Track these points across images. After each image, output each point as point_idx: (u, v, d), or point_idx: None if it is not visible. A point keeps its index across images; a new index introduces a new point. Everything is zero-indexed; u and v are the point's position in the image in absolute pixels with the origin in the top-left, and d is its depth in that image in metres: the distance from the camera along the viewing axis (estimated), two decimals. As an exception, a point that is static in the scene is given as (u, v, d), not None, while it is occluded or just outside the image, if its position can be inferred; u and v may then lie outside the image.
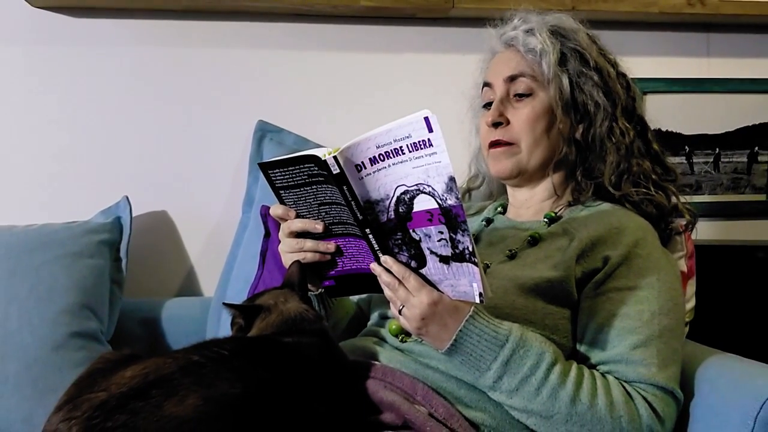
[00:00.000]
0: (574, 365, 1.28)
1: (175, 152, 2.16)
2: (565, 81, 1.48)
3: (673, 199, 1.53)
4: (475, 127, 1.61)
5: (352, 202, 1.20)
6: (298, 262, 1.34)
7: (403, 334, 1.38)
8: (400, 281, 1.21)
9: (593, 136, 1.49)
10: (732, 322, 1.90)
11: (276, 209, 1.35)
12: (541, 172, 1.53)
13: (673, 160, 1.58)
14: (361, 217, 1.21)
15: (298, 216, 1.33)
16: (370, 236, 1.22)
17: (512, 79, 1.50)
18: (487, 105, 1.54)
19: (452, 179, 1.11)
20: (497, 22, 1.59)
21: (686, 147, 2.39)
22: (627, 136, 1.49)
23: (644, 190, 1.49)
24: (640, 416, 1.24)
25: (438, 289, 1.21)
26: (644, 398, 1.26)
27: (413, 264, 1.22)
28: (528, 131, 1.48)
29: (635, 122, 1.54)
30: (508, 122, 1.50)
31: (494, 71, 1.54)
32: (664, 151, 1.57)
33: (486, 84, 1.55)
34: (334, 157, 1.16)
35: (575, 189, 1.54)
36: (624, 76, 1.56)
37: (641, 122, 1.56)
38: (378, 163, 1.15)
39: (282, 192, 1.32)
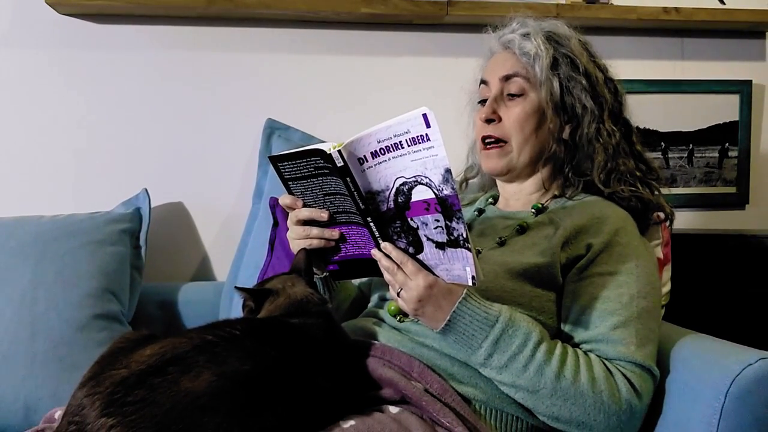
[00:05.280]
0: (559, 344, 1.28)
1: (190, 148, 2.16)
2: (556, 84, 1.47)
3: (656, 194, 1.53)
4: (473, 120, 1.60)
5: (355, 193, 1.20)
6: (304, 249, 1.34)
7: (400, 314, 1.38)
8: (398, 266, 1.22)
9: (581, 137, 1.48)
10: (705, 305, 1.90)
11: (284, 199, 1.35)
12: (531, 168, 1.52)
13: (650, 155, 1.58)
14: (363, 207, 1.21)
15: (304, 205, 1.33)
16: (371, 224, 1.22)
17: (507, 78, 1.49)
18: (483, 101, 1.53)
19: (448, 171, 1.10)
20: (497, 25, 1.58)
21: (662, 143, 2.39)
22: (613, 137, 1.48)
23: (632, 188, 1.48)
24: (619, 391, 1.24)
25: (434, 273, 1.21)
26: (623, 375, 1.26)
27: (411, 250, 1.21)
28: (518, 129, 1.47)
29: (621, 124, 1.52)
30: (500, 119, 1.49)
31: (491, 70, 1.53)
32: (645, 150, 1.56)
33: (483, 81, 1.55)
34: (339, 151, 1.16)
35: (563, 184, 1.53)
36: (612, 81, 1.54)
37: (626, 124, 1.54)
38: (379, 156, 1.15)
39: (290, 183, 1.31)
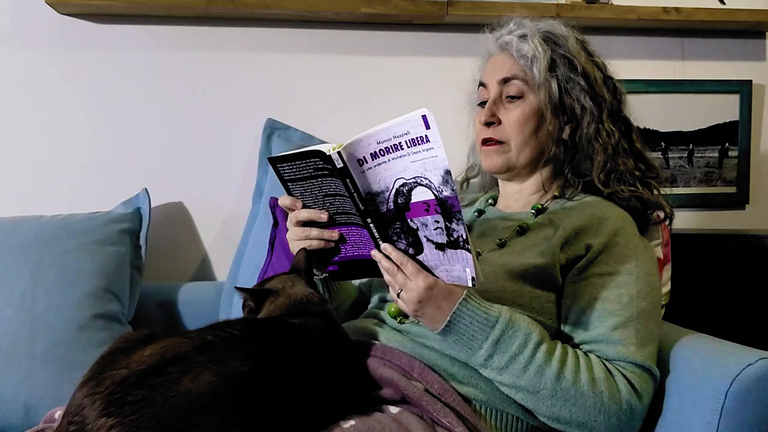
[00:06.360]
0: (559, 345, 1.27)
1: (190, 148, 2.16)
2: (554, 86, 1.46)
3: (656, 194, 1.52)
4: (473, 120, 1.60)
5: (355, 194, 1.19)
6: (304, 249, 1.34)
7: (401, 315, 1.37)
8: (398, 267, 1.21)
9: (580, 137, 1.48)
10: (705, 305, 1.90)
11: (284, 200, 1.35)
12: (530, 169, 1.52)
13: (650, 153, 1.58)
14: (362, 208, 1.21)
15: (304, 206, 1.33)
16: (371, 225, 1.22)
17: (505, 81, 1.49)
18: (482, 103, 1.52)
19: (448, 172, 1.10)
20: (494, 26, 1.57)
21: (662, 143, 2.39)
22: (612, 137, 1.48)
23: (632, 188, 1.48)
24: (619, 392, 1.24)
25: (434, 274, 1.21)
26: (624, 375, 1.26)
27: (411, 251, 1.21)
28: (518, 131, 1.47)
29: (620, 123, 1.52)
30: (499, 122, 1.49)
31: (489, 73, 1.53)
32: (646, 149, 1.56)
33: (482, 84, 1.54)
34: (338, 152, 1.16)
35: (563, 184, 1.53)
36: (611, 79, 1.53)
37: (626, 123, 1.54)
38: (379, 157, 1.15)
39: (290, 184, 1.31)
